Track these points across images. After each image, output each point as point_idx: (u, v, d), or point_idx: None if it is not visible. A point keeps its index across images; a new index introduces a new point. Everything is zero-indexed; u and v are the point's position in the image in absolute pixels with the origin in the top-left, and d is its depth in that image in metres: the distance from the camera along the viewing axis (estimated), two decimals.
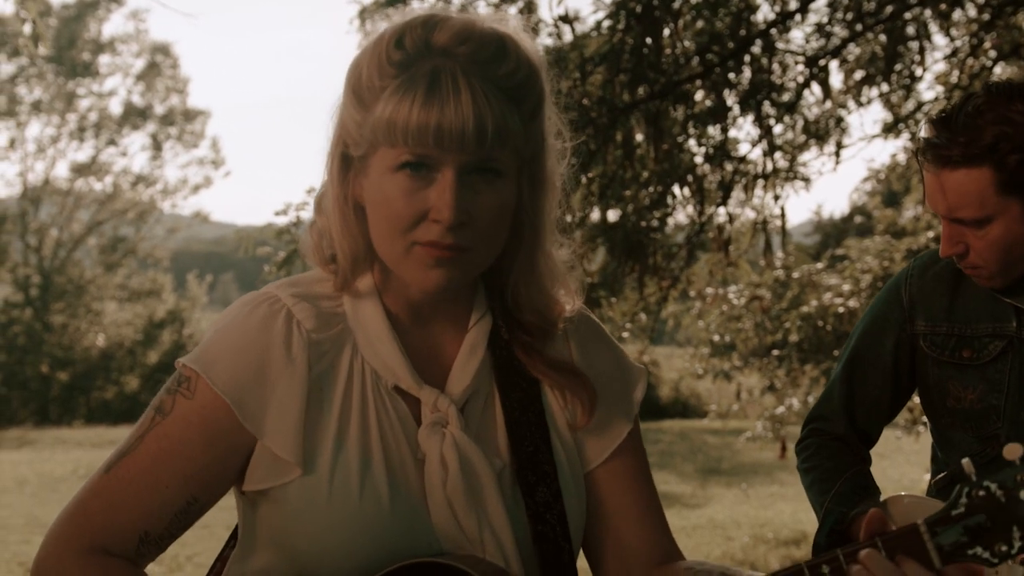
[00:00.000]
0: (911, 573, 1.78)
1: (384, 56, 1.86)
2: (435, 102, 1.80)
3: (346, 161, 1.94)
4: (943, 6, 8.51)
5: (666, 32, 7.58)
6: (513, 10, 7.74)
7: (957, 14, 8.75)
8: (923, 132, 2.86)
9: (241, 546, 2.04)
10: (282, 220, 7.61)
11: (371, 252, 1.97)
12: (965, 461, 1.84)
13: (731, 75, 7.98)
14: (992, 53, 9.12)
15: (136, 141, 59.98)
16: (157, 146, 43.83)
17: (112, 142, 43.11)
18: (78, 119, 42.59)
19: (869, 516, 1.85)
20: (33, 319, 40.17)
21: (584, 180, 7.62)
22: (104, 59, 42.67)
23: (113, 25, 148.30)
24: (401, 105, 1.81)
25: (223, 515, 2.55)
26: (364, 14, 8.48)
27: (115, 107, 50.98)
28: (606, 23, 7.46)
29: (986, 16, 8.78)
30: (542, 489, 1.98)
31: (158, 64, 43.69)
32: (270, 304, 1.95)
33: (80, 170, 42.78)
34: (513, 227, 1.96)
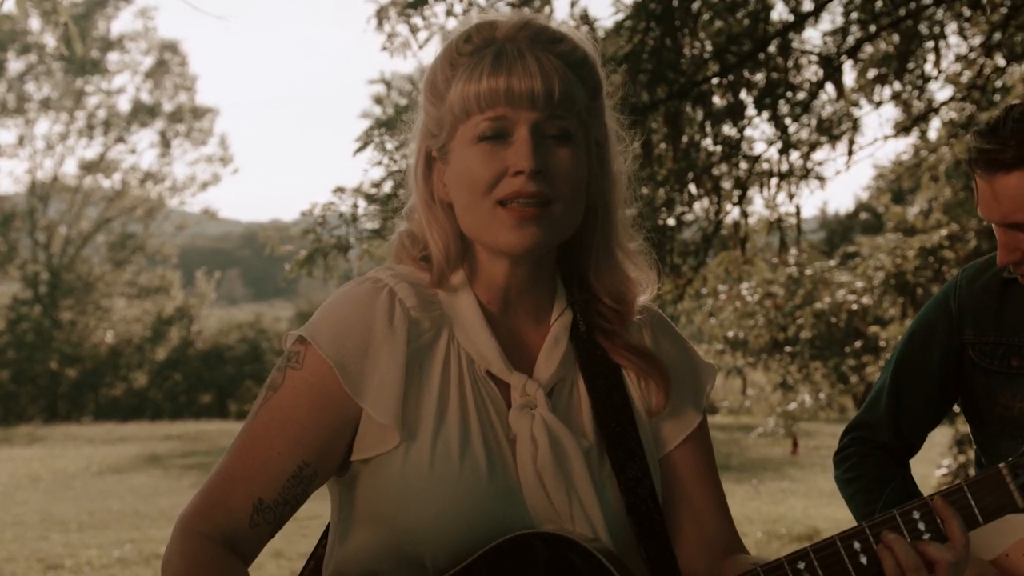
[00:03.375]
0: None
1: (454, 52, 2.06)
2: (503, 67, 2.00)
3: (429, 163, 2.11)
4: (964, 8, 8.55)
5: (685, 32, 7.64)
6: (527, 12, 7.80)
7: (969, 12, 8.80)
8: (971, 143, 2.88)
9: (336, 531, 2.13)
10: (293, 217, 7.66)
11: (462, 247, 2.11)
12: None
13: (747, 75, 8.04)
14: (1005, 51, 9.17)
15: (144, 138, 60.07)
16: (166, 143, 43.97)
17: (121, 139, 43.26)
18: (87, 116, 42.73)
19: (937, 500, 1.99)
20: (42, 316, 40.27)
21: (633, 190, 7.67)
22: (113, 56, 42.86)
23: (122, 23, 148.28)
24: (472, 77, 2.01)
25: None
26: (381, 13, 8.52)
27: (124, 104, 51.17)
28: (626, 24, 7.52)
29: (996, 17, 8.83)
30: (632, 466, 2.09)
31: (166, 62, 43.82)
32: (373, 283, 2.08)
33: (89, 167, 42.90)
34: (586, 214, 2.11)
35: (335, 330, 2.03)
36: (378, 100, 48.43)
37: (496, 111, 1.99)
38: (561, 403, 2.12)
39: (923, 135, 11.57)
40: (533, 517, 2.02)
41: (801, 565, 1.98)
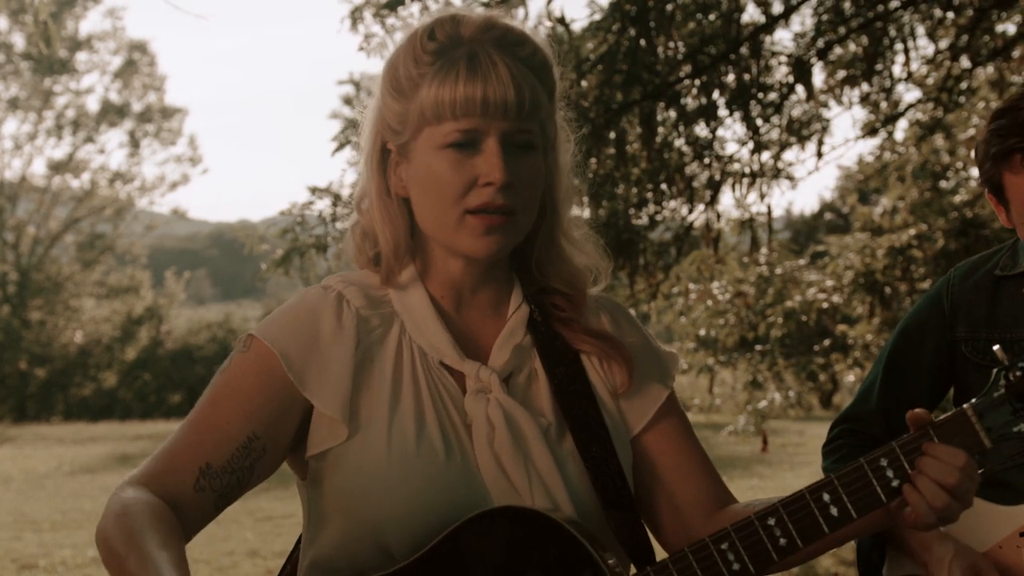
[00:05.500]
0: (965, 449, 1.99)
1: (419, 47, 2.07)
2: (478, 75, 2.02)
3: (384, 155, 2.13)
4: (936, 10, 8.67)
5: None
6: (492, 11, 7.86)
7: (940, 14, 8.92)
8: (1002, 138, 2.88)
9: (308, 531, 2.16)
10: (261, 217, 7.70)
11: (412, 242, 2.15)
12: (997, 348, 2.01)
13: (721, 76, 8.13)
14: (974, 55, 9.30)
15: (113, 138, 59.99)
16: (135, 143, 43.83)
17: (89, 139, 43.08)
18: (55, 116, 42.53)
19: (913, 413, 2.01)
20: (11, 316, 40.05)
21: (578, 180, 7.75)
22: (81, 56, 42.65)
23: (90, 23, 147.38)
24: (446, 82, 2.02)
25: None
26: (355, 14, 8.55)
27: (92, 104, 50.98)
28: (602, 25, 7.59)
29: (963, 20, 8.96)
30: (596, 446, 2.12)
31: (135, 62, 43.68)
32: (322, 288, 2.14)
33: (57, 167, 42.72)
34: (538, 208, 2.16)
35: (281, 326, 2.08)
36: (347, 101, 48.39)
37: (469, 122, 2.02)
38: (519, 389, 2.14)
39: (890, 136, 11.70)
40: (494, 498, 2.04)
41: (771, 521, 2.00)
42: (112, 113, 43.41)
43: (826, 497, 1.99)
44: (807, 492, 2.00)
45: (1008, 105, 2.90)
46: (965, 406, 2.00)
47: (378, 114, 2.13)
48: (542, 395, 2.16)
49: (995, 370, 2.00)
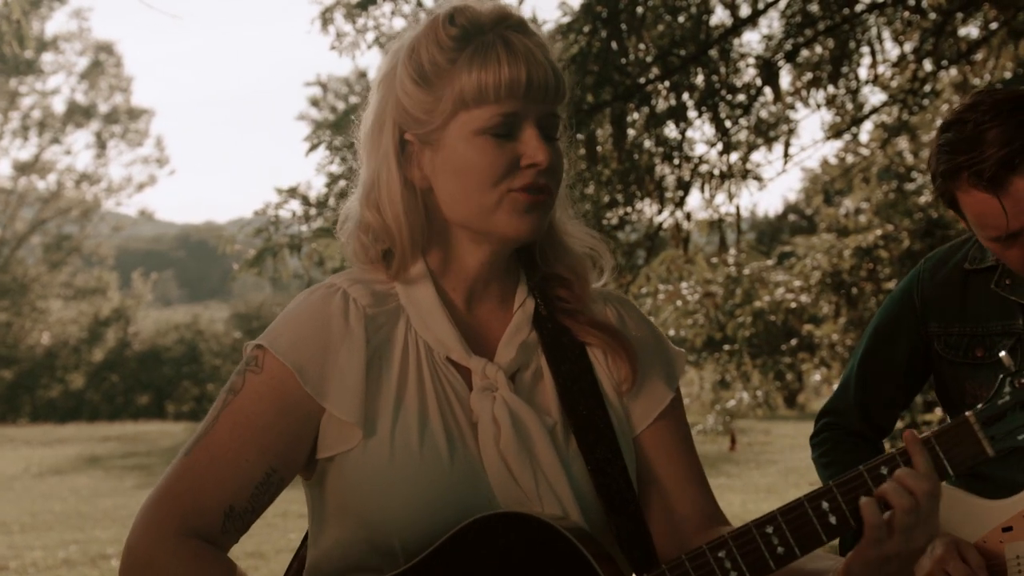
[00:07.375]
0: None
1: (440, 33, 2.03)
2: (520, 58, 2.00)
3: (402, 146, 2.09)
4: (905, 13, 8.78)
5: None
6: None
7: (908, 16, 9.02)
8: (950, 160, 2.82)
9: (312, 532, 2.15)
10: (227, 218, 7.71)
11: (426, 234, 2.11)
12: (1003, 355, 1.99)
13: (691, 77, 8.22)
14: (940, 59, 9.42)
15: (80, 139, 59.79)
16: (101, 144, 43.70)
17: (56, 140, 42.93)
18: (21, 117, 42.35)
19: (907, 433, 2.00)
20: None
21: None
22: (47, 57, 42.46)
23: (56, 23, 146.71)
24: (488, 65, 1.99)
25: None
26: (326, 14, 8.61)
27: (58, 105, 50.74)
28: (573, 26, 7.67)
29: (928, 24, 9.07)
30: (601, 447, 2.08)
31: (102, 62, 43.53)
32: (327, 287, 2.10)
33: (23, 168, 42.54)
34: None
35: (292, 336, 2.04)
36: (314, 102, 48.47)
37: (511, 105, 2.01)
38: (524, 386, 2.11)
39: (855, 138, 11.83)
40: (499, 499, 2.01)
41: (769, 529, 1.96)
42: (78, 114, 43.27)
43: (825, 505, 1.96)
44: (805, 500, 1.97)
45: (954, 118, 2.84)
46: (968, 413, 1.97)
47: (396, 104, 2.08)
48: (548, 393, 2.13)
49: (1000, 376, 1.98)
